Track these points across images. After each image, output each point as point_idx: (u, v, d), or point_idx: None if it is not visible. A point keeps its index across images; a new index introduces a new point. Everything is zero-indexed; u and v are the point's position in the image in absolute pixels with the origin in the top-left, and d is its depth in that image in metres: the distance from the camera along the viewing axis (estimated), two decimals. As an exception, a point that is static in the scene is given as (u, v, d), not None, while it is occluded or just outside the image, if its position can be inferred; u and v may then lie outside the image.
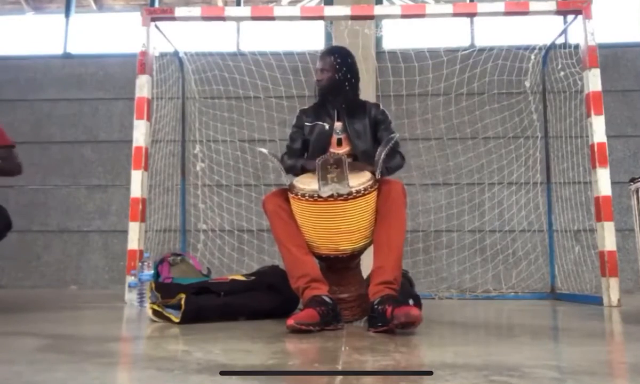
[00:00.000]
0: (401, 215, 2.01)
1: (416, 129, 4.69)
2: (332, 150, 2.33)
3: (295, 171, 2.35)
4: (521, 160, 4.57)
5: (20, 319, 2.21)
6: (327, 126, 2.37)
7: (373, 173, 2.10)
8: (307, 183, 2.06)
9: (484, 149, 4.70)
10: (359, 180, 2.02)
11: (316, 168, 1.98)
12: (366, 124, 2.39)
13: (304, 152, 2.47)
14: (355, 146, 2.34)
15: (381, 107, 2.48)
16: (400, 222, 2.00)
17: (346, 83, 2.40)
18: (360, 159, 2.31)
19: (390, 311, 1.71)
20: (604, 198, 3.19)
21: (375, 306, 1.82)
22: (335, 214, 1.99)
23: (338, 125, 2.39)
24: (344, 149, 2.35)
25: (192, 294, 2.12)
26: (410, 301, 1.67)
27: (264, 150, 2.23)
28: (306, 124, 2.44)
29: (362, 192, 1.98)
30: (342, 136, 2.36)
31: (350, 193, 1.96)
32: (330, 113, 2.41)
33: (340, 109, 2.41)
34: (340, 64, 2.41)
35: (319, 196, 1.96)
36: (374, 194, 2.04)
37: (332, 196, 1.95)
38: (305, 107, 2.54)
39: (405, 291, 1.79)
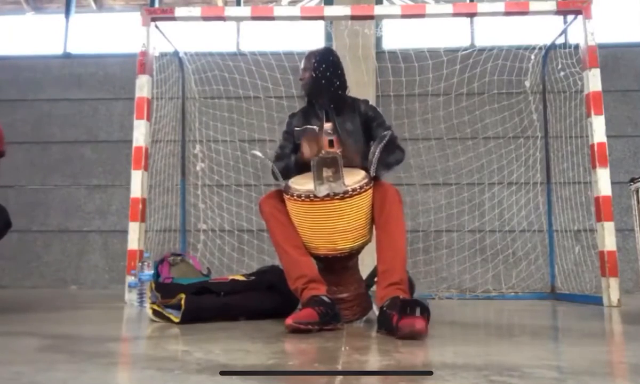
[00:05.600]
0: (399, 218, 2.00)
1: (416, 129, 4.69)
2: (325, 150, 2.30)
3: (290, 170, 2.27)
4: (521, 160, 4.57)
5: (20, 319, 2.21)
6: (316, 128, 2.29)
7: (367, 171, 2.08)
8: (302, 184, 2.05)
9: (484, 149, 4.70)
10: (354, 178, 2.02)
11: (312, 168, 1.97)
12: (357, 122, 2.35)
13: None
14: (348, 146, 2.28)
15: (370, 103, 2.43)
16: (399, 224, 1.99)
17: (327, 81, 2.36)
18: (353, 159, 2.24)
19: (395, 319, 1.67)
20: (604, 198, 3.19)
21: (385, 309, 1.80)
22: (332, 214, 1.98)
23: (328, 126, 2.34)
24: (336, 150, 2.29)
25: (192, 294, 2.11)
26: (417, 311, 1.63)
27: (259, 153, 2.18)
28: (295, 128, 2.37)
29: (358, 190, 1.97)
30: (333, 137, 2.31)
31: (346, 192, 1.95)
32: (319, 115, 2.37)
33: (328, 109, 2.37)
34: (319, 62, 2.39)
35: (315, 196, 1.95)
36: (370, 192, 2.03)
37: (328, 195, 1.95)
38: (294, 111, 2.51)
39: (414, 299, 1.74)
